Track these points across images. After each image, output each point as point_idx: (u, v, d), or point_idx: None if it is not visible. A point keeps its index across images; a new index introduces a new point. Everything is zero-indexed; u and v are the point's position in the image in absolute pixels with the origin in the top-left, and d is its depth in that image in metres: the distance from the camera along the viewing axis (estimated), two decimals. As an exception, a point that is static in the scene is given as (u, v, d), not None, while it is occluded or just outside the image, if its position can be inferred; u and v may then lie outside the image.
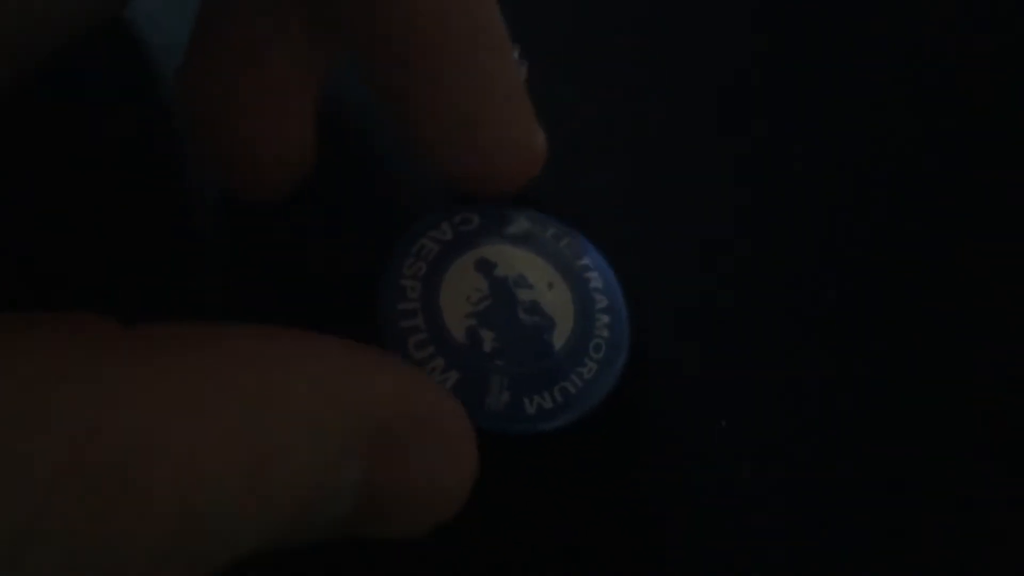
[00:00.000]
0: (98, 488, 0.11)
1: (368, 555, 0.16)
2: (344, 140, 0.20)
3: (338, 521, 0.13)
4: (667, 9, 0.24)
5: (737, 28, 0.23)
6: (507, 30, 0.17)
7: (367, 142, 0.21)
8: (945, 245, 0.21)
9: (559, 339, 0.17)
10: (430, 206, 0.18)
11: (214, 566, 0.12)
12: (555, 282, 0.17)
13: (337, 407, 0.13)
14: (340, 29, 0.16)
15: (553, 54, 0.22)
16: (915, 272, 0.20)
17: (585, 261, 0.18)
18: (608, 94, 0.22)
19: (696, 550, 0.17)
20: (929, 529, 0.18)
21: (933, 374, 0.19)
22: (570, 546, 0.17)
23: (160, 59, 0.21)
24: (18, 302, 0.15)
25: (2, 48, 0.15)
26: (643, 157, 0.21)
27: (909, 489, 0.18)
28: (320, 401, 0.12)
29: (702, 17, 0.24)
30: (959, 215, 0.21)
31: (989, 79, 0.23)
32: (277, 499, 0.12)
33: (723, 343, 0.19)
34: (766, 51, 0.23)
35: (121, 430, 0.11)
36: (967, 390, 0.19)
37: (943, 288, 0.20)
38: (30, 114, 0.19)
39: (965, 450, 0.18)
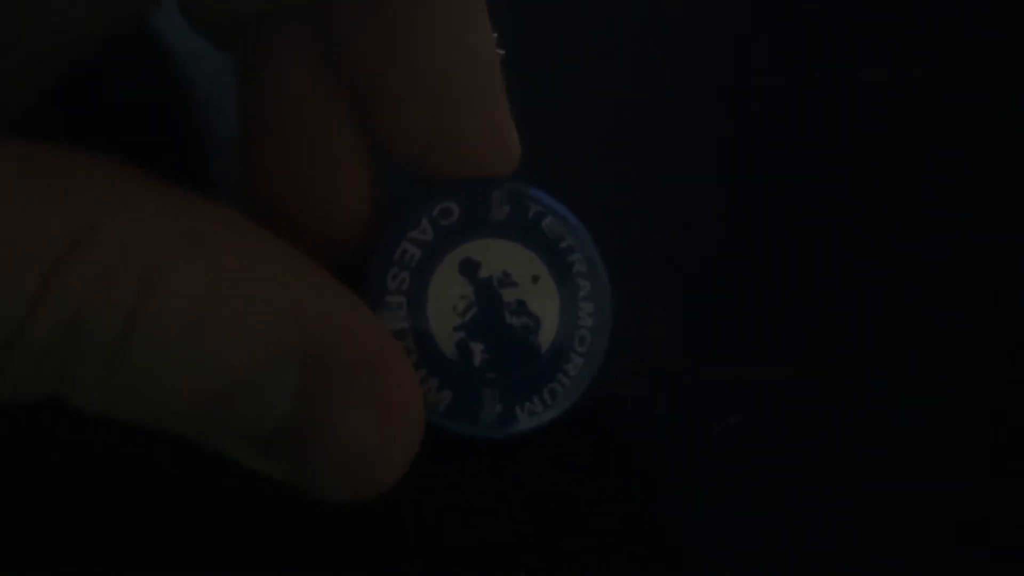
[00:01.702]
0: (89, 278, 0.12)
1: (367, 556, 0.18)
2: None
3: (270, 430, 0.14)
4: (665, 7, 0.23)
5: (737, 26, 0.23)
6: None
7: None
8: (948, 242, 0.21)
9: (546, 338, 0.17)
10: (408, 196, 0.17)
11: (153, 414, 0.13)
12: (539, 274, 0.17)
13: (287, 311, 0.13)
14: None
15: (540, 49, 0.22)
16: (922, 268, 0.21)
17: (568, 241, 0.17)
18: (595, 80, 0.22)
19: (700, 544, 0.18)
20: (938, 527, 0.18)
21: (941, 370, 0.20)
22: (570, 541, 0.18)
23: (188, 64, 0.21)
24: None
25: (25, 58, 0.16)
26: (634, 140, 0.21)
27: (916, 487, 0.19)
28: (267, 294, 0.13)
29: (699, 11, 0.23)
30: (960, 212, 0.21)
31: (988, 78, 0.22)
32: (218, 350, 0.13)
33: (715, 324, 0.20)
34: (766, 48, 0.23)
35: (110, 233, 0.12)
36: (977, 386, 0.20)
37: (949, 284, 0.21)
38: (54, 123, 0.19)
39: (975, 447, 0.19)
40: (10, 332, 0.12)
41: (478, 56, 0.16)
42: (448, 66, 0.16)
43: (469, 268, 0.17)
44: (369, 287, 0.17)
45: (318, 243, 0.17)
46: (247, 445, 0.14)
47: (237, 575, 0.17)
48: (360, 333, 0.14)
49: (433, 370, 0.17)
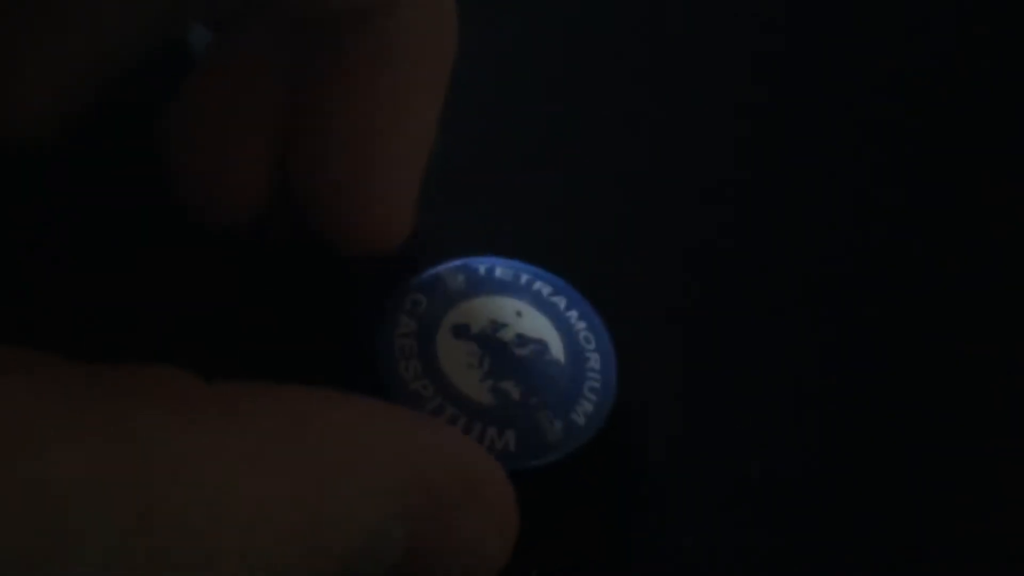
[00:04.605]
0: (163, 551, 0.11)
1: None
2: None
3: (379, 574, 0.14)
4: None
5: (736, 65, 0.24)
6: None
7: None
8: (947, 250, 0.22)
9: (558, 353, 0.18)
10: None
11: None
12: (519, 309, 0.19)
13: (389, 471, 0.13)
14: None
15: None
16: (919, 278, 0.21)
17: (524, 278, 0.19)
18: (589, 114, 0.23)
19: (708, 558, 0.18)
20: (940, 532, 0.19)
21: (942, 375, 0.20)
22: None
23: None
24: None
25: (70, 74, 0.16)
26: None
27: (919, 492, 0.19)
28: (374, 465, 0.13)
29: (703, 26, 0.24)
30: (960, 222, 0.22)
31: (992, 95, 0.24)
32: (327, 557, 0.13)
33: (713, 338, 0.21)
34: (762, 68, 0.24)
35: (192, 493, 0.11)
36: (980, 391, 0.20)
37: (949, 290, 0.21)
38: (96, 135, 0.19)
39: (978, 451, 0.20)
40: None
41: (409, 142, 0.17)
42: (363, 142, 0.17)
43: (461, 331, 0.18)
44: (390, 389, 0.18)
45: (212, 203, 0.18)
46: None
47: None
48: (451, 463, 0.14)
49: (486, 421, 0.17)
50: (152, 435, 0.11)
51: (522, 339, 0.18)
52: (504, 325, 0.18)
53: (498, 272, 0.19)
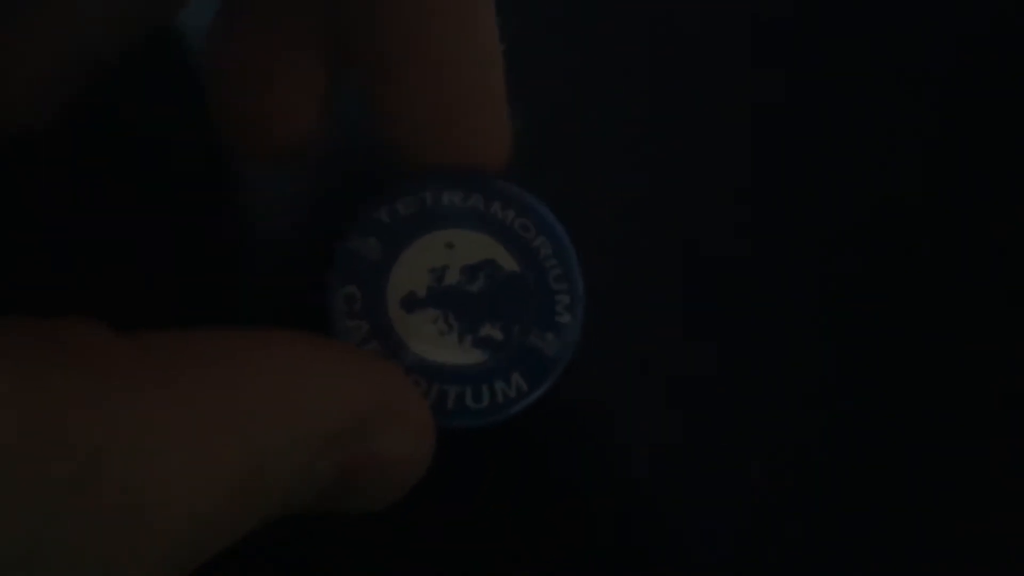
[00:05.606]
0: (104, 509, 0.11)
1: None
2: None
3: (310, 501, 0.14)
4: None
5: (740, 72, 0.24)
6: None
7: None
8: (947, 250, 0.22)
9: (509, 263, 0.17)
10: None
11: (201, 561, 0.13)
12: (447, 239, 0.17)
13: (319, 411, 0.14)
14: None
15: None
16: (919, 277, 0.21)
17: (430, 194, 0.17)
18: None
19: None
20: (940, 532, 0.19)
21: (942, 375, 0.20)
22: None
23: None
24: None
25: (54, 61, 0.16)
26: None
27: (919, 492, 0.19)
28: (305, 407, 0.14)
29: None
30: (960, 222, 0.22)
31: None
32: (266, 499, 0.13)
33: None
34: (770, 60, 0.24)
35: (127, 454, 0.11)
36: (980, 391, 0.20)
37: (949, 290, 0.21)
38: (82, 124, 0.19)
39: (978, 451, 0.20)
40: None
41: (484, 51, 0.17)
42: (455, 59, 0.17)
43: (410, 303, 0.17)
44: None
45: (270, 149, 0.18)
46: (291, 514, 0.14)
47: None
48: (376, 392, 0.15)
49: (491, 379, 0.16)
50: (78, 399, 0.11)
51: (469, 271, 0.17)
52: (444, 267, 0.17)
53: (401, 208, 0.17)
